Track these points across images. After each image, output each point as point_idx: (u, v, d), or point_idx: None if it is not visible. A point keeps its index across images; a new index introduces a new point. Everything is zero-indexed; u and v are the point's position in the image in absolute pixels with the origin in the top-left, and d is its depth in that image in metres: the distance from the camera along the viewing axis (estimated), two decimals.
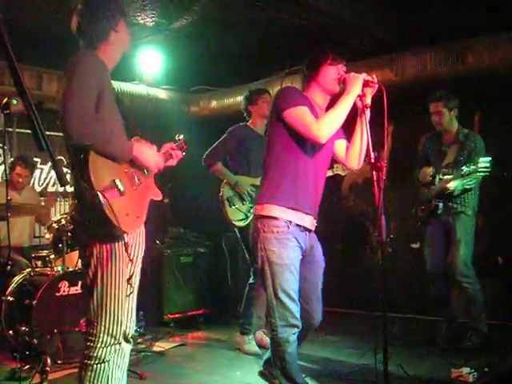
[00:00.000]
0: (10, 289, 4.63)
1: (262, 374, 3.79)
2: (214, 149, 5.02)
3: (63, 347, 4.45)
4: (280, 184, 3.19)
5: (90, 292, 2.64)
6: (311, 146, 3.19)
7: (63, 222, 4.82)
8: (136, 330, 5.51)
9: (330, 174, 4.83)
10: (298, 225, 3.17)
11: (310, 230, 3.29)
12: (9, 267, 4.55)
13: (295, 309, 3.14)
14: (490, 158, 4.43)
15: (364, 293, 6.40)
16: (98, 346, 2.62)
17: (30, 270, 4.85)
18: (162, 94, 7.01)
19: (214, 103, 7.20)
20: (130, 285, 2.69)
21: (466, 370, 3.90)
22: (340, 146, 3.41)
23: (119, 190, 2.50)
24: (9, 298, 4.57)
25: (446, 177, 4.77)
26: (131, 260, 2.69)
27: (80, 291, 4.65)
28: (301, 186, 3.19)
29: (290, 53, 6.17)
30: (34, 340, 4.35)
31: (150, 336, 5.48)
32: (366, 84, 3.17)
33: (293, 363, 3.21)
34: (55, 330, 4.43)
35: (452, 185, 4.63)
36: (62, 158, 4.74)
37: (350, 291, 6.50)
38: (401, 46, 5.72)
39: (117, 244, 2.60)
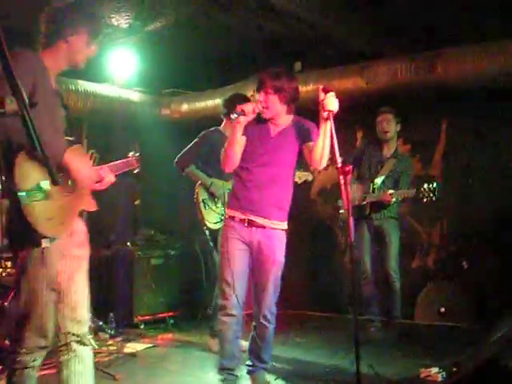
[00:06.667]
0: None
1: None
2: (187, 152, 5.01)
3: None
4: (233, 190, 3.81)
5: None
6: (257, 155, 3.68)
7: None
8: (106, 332, 5.53)
9: (297, 180, 4.91)
10: (241, 220, 3.66)
11: (258, 226, 3.65)
12: None
13: (228, 292, 3.62)
14: (435, 185, 5.07)
15: (333, 295, 6.53)
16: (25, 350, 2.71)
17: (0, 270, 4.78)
18: (133, 96, 6.98)
19: (185, 106, 7.21)
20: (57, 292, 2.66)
21: (434, 369, 4.00)
22: (307, 148, 3.67)
23: (44, 192, 2.48)
24: None
25: (390, 191, 5.28)
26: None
27: None
28: (247, 190, 3.67)
29: (263, 57, 6.24)
30: (6, 341, 4.28)
31: (120, 338, 5.47)
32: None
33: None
34: None
35: (393, 200, 5.28)
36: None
37: (319, 294, 6.61)
38: (372, 54, 5.85)
39: (37, 249, 2.57)
